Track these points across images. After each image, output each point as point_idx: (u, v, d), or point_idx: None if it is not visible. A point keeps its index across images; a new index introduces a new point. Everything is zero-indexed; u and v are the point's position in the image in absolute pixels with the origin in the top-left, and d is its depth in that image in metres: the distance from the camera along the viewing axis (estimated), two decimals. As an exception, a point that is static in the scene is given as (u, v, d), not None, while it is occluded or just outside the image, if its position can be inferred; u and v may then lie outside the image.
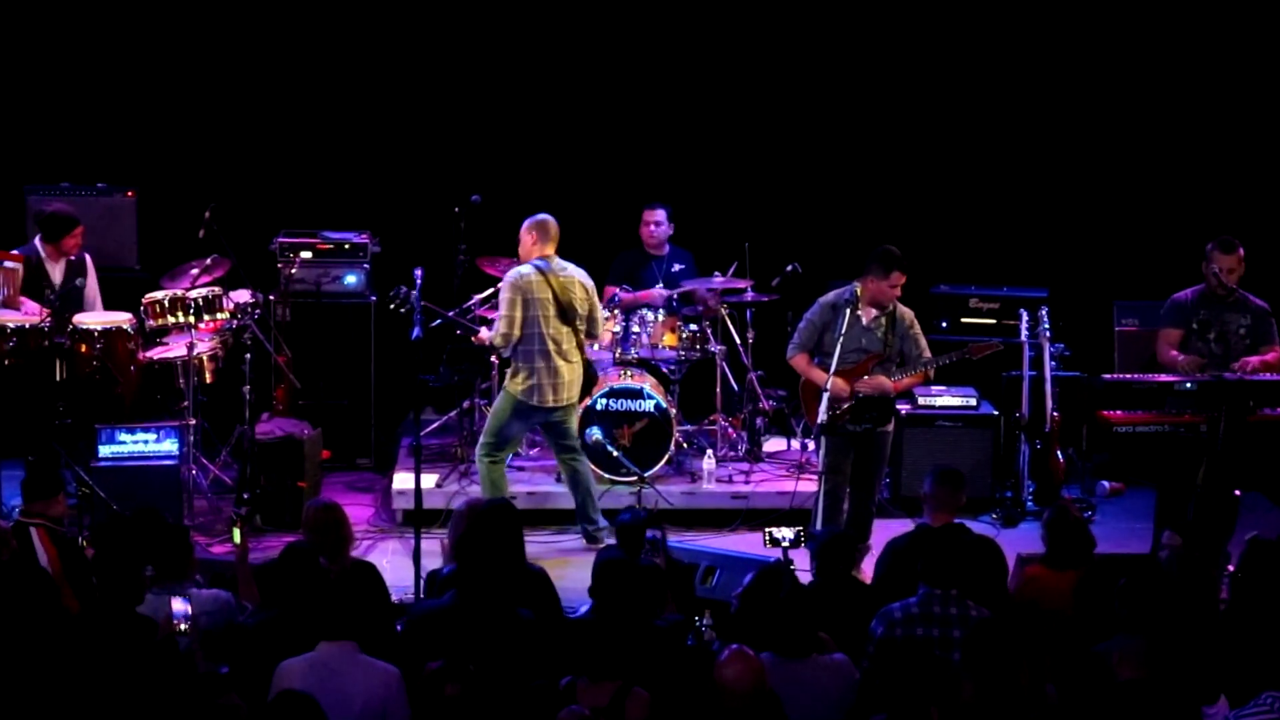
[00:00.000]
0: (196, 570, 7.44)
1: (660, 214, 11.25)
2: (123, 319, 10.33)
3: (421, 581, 8.27)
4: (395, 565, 9.52)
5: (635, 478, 10.14)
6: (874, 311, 9.26)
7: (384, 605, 7.08)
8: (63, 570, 7.60)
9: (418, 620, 6.79)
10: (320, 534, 7.46)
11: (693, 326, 10.94)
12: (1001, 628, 5.98)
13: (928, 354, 9.32)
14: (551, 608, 7.29)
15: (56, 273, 10.51)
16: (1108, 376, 9.49)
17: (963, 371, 10.51)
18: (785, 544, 7.79)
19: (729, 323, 11.21)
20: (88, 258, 10.70)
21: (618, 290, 11.04)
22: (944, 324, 11.52)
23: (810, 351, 9.32)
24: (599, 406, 10.50)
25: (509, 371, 9.82)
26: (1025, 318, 10.66)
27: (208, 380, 10.48)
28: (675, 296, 11.08)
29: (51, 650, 6.29)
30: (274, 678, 6.28)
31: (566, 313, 9.70)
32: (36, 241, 10.51)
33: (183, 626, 6.74)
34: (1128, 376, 9.48)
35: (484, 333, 9.93)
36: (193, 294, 10.35)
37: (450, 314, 10.15)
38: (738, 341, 11.20)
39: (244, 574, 7.63)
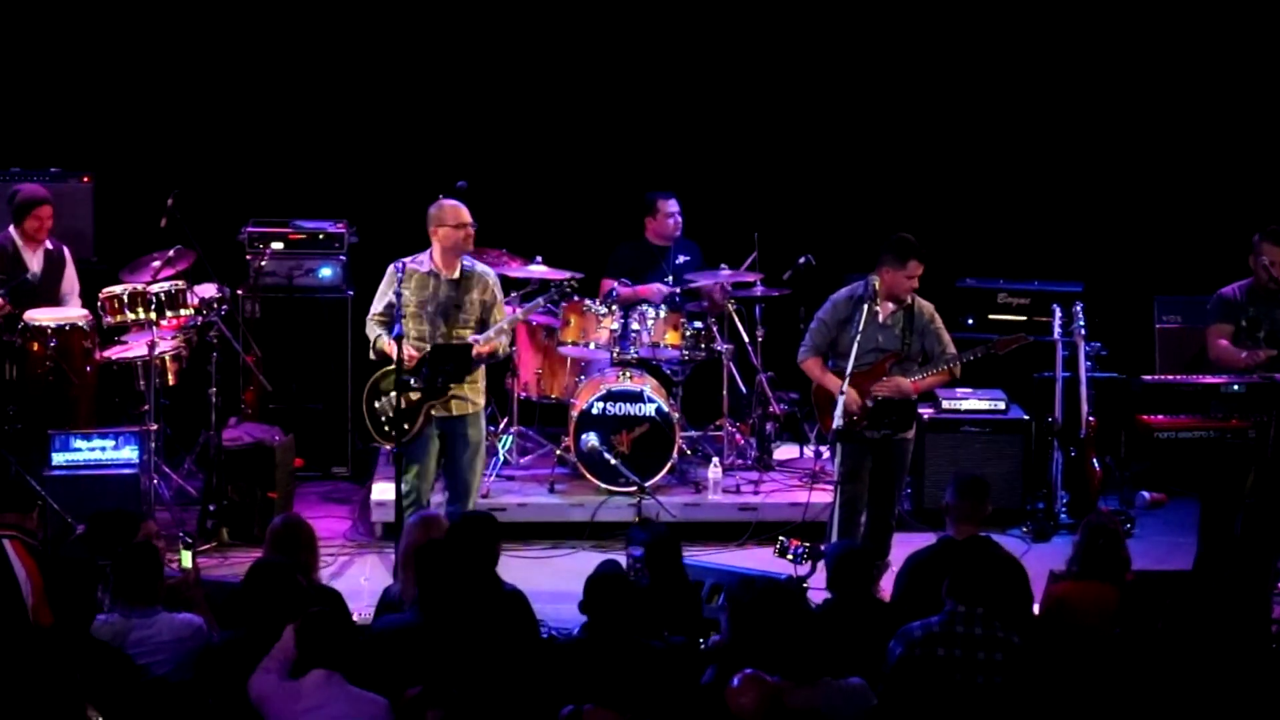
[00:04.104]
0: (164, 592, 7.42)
1: (676, 203, 11.23)
2: (78, 315, 10.33)
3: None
4: (374, 582, 9.51)
5: (634, 488, 10.13)
6: (891, 306, 9.23)
7: (353, 635, 7.09)
8: (43, 584, 7.59)
9: (375, 639, 6.80)
10: (286, 551, 7.44)
11: (697, 324, 10.92)
12: None
13: (952, 349, 9.27)
14: (529, 632, 7.27)
15: (34, 263, 10.47)
16: (1148, 378, 9.52)
17: (990, 373, 10.51)
18: (794, 559, 7.78)
19: (736, 319, 11.20)
20: (66, 250, 10.66)
21: (616, 284, 11.02)
22: (970, 320, 11.51)
23: (824, 354, 9.30)
24: (595, 410, 10.49)
25: (476, 382, 9.40)
26: (1058, 314, 10.65)
27: (170, 382, 10.48)
28: (678, 291, 11.07)
29: (16, 667, 6.32)
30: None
31: None
32: (11, 230, 10.48)
33: None
34: (1170, 378, 9.50)
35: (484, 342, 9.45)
36: (154, 288, 10.36)
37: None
38: (746, 340, 11.19)
39: (198, 599, 7.59)
